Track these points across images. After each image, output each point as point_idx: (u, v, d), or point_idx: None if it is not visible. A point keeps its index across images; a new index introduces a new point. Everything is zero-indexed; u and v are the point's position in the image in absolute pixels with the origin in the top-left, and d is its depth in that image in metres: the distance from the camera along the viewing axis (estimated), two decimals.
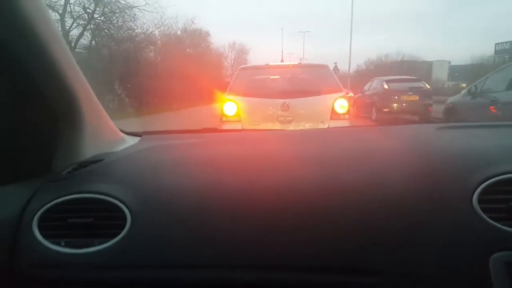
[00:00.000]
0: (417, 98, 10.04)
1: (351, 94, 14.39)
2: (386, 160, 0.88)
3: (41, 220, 0.81)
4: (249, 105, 4.06)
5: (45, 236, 0.79)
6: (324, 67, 4.70)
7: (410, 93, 10.01)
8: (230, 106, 4.03)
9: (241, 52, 56.40)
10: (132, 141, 1.21)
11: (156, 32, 25.53)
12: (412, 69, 40.03)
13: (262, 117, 4.03)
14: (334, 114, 3.99)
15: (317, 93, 4.15)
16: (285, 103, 3.98)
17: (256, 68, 4.85)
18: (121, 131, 1.21)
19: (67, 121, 0.92)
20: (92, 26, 17.85)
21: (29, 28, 0.73)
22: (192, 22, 32.24)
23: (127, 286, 0.79)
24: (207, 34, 37.13)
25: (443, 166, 0.83)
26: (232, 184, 0.84)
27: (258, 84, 4.52)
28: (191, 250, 0.77)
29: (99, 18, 18.04)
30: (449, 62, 52.80)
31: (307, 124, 4.01)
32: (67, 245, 0.79)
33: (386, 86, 10.52)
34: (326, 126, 3.88)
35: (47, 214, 0.81)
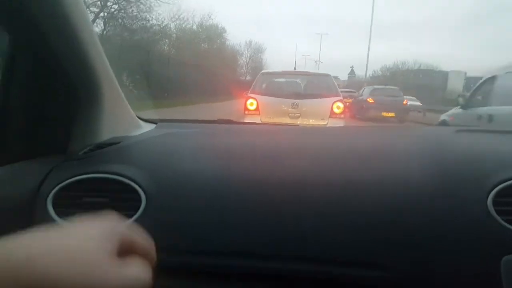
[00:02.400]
0: (393, 115, 12.66)
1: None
2: (405, 158, 0.89)
3: (55, 198, 0.82)
4: (266, 102, 5.17)
5: (59, 214, 0.80)
6: (327, 75, 5.83)
7: (388, 110, 12.58)
8: (252, 102, 5.18)
9: (257, 51, 57.20)
10: (148, 127, 1.23)
11: (172, 25, 25.52)
12: (427, 78, 39.45)
13: (275, 113, 5.07)
14: (332, 114, 5.04)
15: (320, 96, 5.24)
16: (294, 102, 5.09)
17: (273, 73, 6.07)
18: (137, 117, 1.23)
19: (87, 102, 0.93)
20: (105, 14, 17.66)
21: (59, 7, 0.74)
22: (209, 17, 32.70)
23: None
24: (223, 30, 37.15)
25: (459, 167, 0.84)
26: (246, 173, 0.85)
27: (274, 86, 5.65)
28: (204, 236, 0.78)
29: (113, 6, 17.87)
30: (465, 73, 51.43)
31: (311, 120, 5.05)
32: None
33: (370, 99, 13.25)
34: (325, 123, 4.93)
35: (61, 192, 0.82)
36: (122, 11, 18.11)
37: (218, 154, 0.94)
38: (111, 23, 18.06)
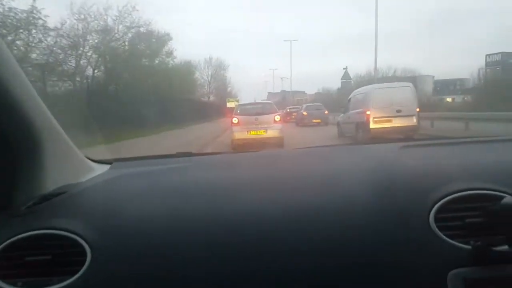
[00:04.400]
0: (320, 121, 20.08)
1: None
2: (350, 180, 0.91)
3: None
4: (242, 118, 9.32)
5: (1, 277, 0.77)
6: (271, 103, 10.71)
7: (316, 118, 20.13)
8: (235, 119, 9.41)
9: (219, 68, 52.11)
10: (101, 169, 1.19)
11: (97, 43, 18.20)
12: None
13: (247, 123, 9.14)
14: (274, 122, 9.30)
15: (268, 113, 9.48)
16: (256, 117, 9.23)
17: (245, 104, 10.89)
18: (90, 159, 1.19)
19: (26, 152, 0.90)
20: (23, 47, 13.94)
21: None
22: (133, 8, 19.92)
23: None
24: (168, 37, 25.31)
25: (402, 186, 0.85)
26: (202, 212, 0.84)
27: (245, 109, 9.92)
28: (154, 283, 0.76)
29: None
30: (433, 77, 51.28)
31: (264, 125, 9.06)
32: (24, 286, 0.76)
33: (304, 112, 21.15)
34: (271, 127, 9.07)
35: (3, 253, 0.79)
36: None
37: (172, 194, 0.93)
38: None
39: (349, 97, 12.64)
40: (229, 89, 57.30)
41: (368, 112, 10.00)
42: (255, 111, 9.46)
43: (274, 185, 0.94)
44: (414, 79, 41.21)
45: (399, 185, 0.86)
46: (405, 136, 9.46)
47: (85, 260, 0.76)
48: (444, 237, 0.74)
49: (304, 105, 23.47)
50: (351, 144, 1.76)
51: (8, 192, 0.90)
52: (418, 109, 10.28)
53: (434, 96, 35.61)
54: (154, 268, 0.76)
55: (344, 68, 59.65)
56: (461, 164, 0.95)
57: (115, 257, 0.77)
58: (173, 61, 27.80)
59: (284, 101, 56.70)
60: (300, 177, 0.98)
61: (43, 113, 0.91)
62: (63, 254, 0.78)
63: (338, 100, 32.77)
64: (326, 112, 20.60)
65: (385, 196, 0.83)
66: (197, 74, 45.91)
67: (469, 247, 0.73)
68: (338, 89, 54.95)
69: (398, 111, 9.85)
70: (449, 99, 35.62)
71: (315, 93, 64.59)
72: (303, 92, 75.11)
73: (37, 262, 0.77)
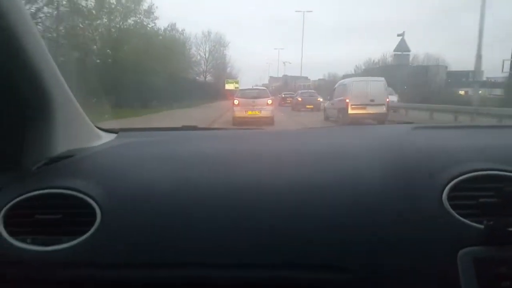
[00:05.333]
0: (312, 107, 20.81)
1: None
2: (360, 159, 0.88)
3: (7, 217, 0.77)
4: (242, 100, 11.36)
5: (11, 233, 0.76)
6: (265, 89, 13.31)
7: (309, 104, 21.13)
8: (236, 101, 11.50)
9: (218, 44, 44.89)
10: (108, 137, 1.18)
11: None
12: (412, 73, 33.80)
13: (245, 104, 11.14)
14: (267, 104, 11.25)
15: (262, 97, 11.57)
16: (253, 100, 11.27)
17: (244, 89, 13.45)
18: (98, 127, 1.17)
19: (38, 115, 0.88)
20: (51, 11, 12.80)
21: None
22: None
23: (96, 285, 0.76)
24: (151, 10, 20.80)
25: (415, 165, 0.84)
26: (206, 180, 0.83)
27: (244, 93, 12.06)
28: (162, 248, 0.75)
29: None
30: (446, 67, 42.13)
31: (259, 107, 11.13)
32: (33, 243, 0.75)
33: (299, 98, 22.27)
34: (264, 109, 11.18)
35: (13, 210, 0.78)
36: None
37: (178, 163, 0.91)
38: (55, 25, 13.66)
39: (334, 86, 14.78)
40: (228, 69, 50.87)
41: (347, 100, 11.95)
42: (252, 95, 11.69)
43: (279, 160, 0.92)
44: (426, 68, 36.03)
45: (411, 163, 0.84)
46: (377, 121, 10.88)
47: (94, 220, 0.75)
48: (457, 215, 0.73)
49: (299, 92, 25.35)
50: (360, 125, 1.62)
51: (18, 152, 0.88)
52: (387, 100, 12.39)
53: (447, 89, 31.87)
54: (160, 231, 0.75)
55: (399, 35, 43.91)
56: (475, 145, 0.93)
57: (123, 219, 0.76)
58: (154, 23, 21.75)
59: (286, 86, 55.44)
60: (306, 153, 0.95)
61: (56, 77, 0.88)
62: (72, 214, 0.77)
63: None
64: (319, 99, 21.88)
65: (396, 174, 0.81)
66: (193, 50, 39.84)
67: (481, 226, 0.71)
68: (388, 66, 41.10)
69: (372, 100, 11.87)
70: (461, 92, 30.83)
71: (319, 79, 62.35)
72: (306, 78, 71.53)
73: (47, 221, 0.76)
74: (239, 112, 11.23)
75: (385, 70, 35.62)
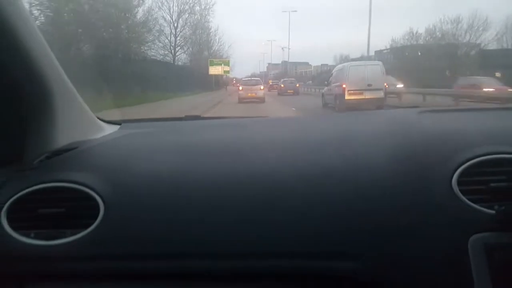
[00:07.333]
0: (293, 92, 26.19)
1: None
2: (367, 143, 0.87)
3: (10, 212, 0.76)
4: (243, 87, 17.96)
5: (14, 228, 0.75)
6: (259, 79, 20.36)
7: (290, 89, 26.62)
8: (241, 87, 18.42)
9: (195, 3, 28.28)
10: (111, 129, 1.16)
11: None
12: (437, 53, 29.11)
13: (246, 90, 17.53)
14: (260, 90, 17.50)
15: (257, 85, 18.00)
16: (251, 87, 17.65)
17: (245, 79, 20.99)
18: (100, 119, 1.16)
19: (39, 108, 0.86)
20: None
21: None
22: None
23: (101, 277, 0.75)
24: None
25: (424, 149, 0.81)
26: (211, 170, 0.81)
27: (245, 82, 19.21)
28: (166, 239, 0.73)
29: None
30: (480, 45, 31.35)
31: (255, 91, 17.34)
32: (37, 237, 0.74)
33: (282, 85, 27.92)
34: (258, 92, 17.40)
35: (16, 205, 0.76)
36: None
37: (181, 153, 0.90)
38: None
39: (331, 72, 14.72)
40: (215, 46, 35.99)
41: (344, 86, 11.59)
42: (251, 83, 18.26)
43: (283, 147, 0.90)
44: (455, 47, 29.91)
45: (419, 147, 0.82)
46: (376, 107, 10.38)
47: (98, 213, 0.74)
48: (467, 201, 0.71)
49: (282, 80, 31.38)
50: (368, 110, 1.62)
51: (20, 146, 0.86)
52: (386, 84, 12.02)
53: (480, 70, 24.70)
54: (164, 222, 0.74)
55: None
56: (485, 128, 0.90)
57: (127, 211, 0.75)
58: None
59: (285, 72, 54.39)
60: (312, 140, 0.93)
61: (57, 70, 0.87)
62: (76, 207, 0.75)
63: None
64: (297, 85, 28.87)
65: (404, 158, 0.79)
66: (145, 6, 21.77)
67: (492, 211, 0.69)
68: None
69: (369, 85, 11.41)
70: (498, 74, 23.73)
71: (321, 64, 61.49)
72: (307, 64, 71.18)
73: (50, 215, 0.74)
74: (243, 94, 17.26)
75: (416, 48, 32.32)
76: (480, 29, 30.27)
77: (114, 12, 17.22)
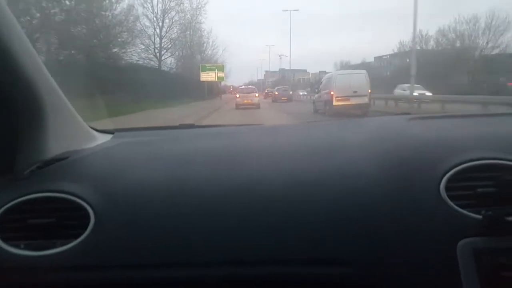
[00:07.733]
0: (286, 99, 27.81)
1: None
2: (359, 150, 0.87)
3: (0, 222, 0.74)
4: (240, 95, 20.06)
5: (4, 239, 0.73)
6: (254, 88, 22.65)
7: (283, 97, 28.15)
8: (238, 95, 20.55)
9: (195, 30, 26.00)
10: (103, 138, 1.15)
11: None
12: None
13: (242, 99, 19.45)
14: (255, 97, 19.62)
15: (253, 92, 20.39)
16: (248, 95, 19.88)
17: (242, 88, 23.69)
18: (93, 128, 1.15)
19: (29, 117, 0.85)
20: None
21: None
22: None
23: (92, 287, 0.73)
24: None
25: (412, 155, 0.82)
26: (206, 178, 0.82)
27: (241, 90, 21.72)
28: (157, 249, 0.73)
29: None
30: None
31: (251, 98, 19.45)
32: (26, 248, 0.73)
33: (276, 92, 30.03)
34: (253, 99, 19.53)
35: (5, 215, 0.75)
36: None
37: (174, 162, 0.90)
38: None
39: (321, 80, 16.19)
40: (208, 50, 33.52)
41: (332, 93, 12.95)
42: (247, 91, 20.53)
43: (276, 155, 0.91)
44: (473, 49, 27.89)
45: (408, 154, 0.83)
46: (361, 112, 12.08)
47: (88, 223, 0.73)
48: (454, 206, 0.71)
49: (276, 88, 34.52)
50: (357, 117, 1.57)
51: (11, 156, 0.85)
52: (369, 91, 13.32)
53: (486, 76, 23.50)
54: (156, 231, 0.73)
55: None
56: (472, 134, 0.92)
57: (118, 220, 0.74)
58: None
59: (283, 80, 54.70)
60: (303, 147, 0.94)
61: (47, 79, 0.86)
62: (66, 217, 0.74)
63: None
64: (291, 92, 31.12)
65: (393, 164, 0.80)
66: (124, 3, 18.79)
67: (480, 217, 0.69)
68: None
69: (355, 92, 12.76)
70: None
71: (319, 71, 60.74)
72: (305, 71, 71.05)
73: (40, 225, 0.73)
74: (240, 101, 19.13)
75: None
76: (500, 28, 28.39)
77: (84, 8, 14.95)
